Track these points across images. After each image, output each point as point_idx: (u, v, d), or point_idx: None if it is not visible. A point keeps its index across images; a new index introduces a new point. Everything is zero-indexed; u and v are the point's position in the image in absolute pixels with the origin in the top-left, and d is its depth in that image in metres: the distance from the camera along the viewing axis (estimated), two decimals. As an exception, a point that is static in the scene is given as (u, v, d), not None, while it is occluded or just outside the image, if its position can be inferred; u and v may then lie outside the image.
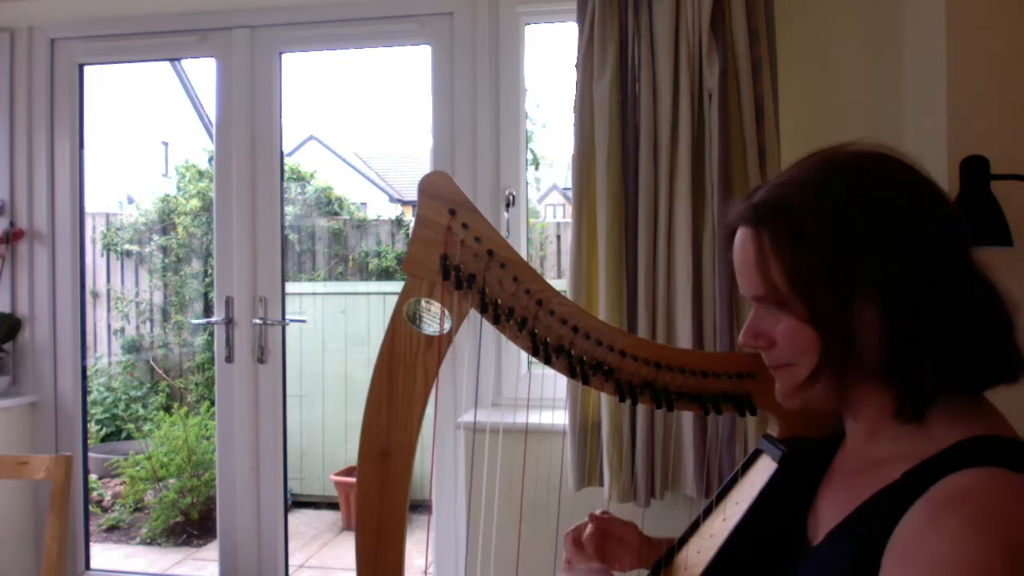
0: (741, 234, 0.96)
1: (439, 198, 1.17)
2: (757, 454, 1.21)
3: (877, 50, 2.35)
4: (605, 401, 2.23)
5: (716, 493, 1.23)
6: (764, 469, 1.14)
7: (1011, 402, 0.95)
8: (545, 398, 2.57)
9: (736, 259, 0.97)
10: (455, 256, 1.17)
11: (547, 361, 1.17)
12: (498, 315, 1.17)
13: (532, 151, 6.07)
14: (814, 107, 2.37)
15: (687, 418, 2.21)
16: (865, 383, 0.92)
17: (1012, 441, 0.86)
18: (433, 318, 1.18)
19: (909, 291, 0.86)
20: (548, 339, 1.17)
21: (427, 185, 1.17)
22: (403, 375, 1.19)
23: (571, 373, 1.18)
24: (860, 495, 0.91)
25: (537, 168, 6.55)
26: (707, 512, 1.23)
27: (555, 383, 2.52)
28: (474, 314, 1.20)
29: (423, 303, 1.18)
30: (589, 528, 1.31)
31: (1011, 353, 0.89)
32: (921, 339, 0.86)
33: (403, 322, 1.18)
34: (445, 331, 1.18)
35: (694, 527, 1.23)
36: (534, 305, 1.17)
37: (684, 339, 2.19)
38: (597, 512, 1.34)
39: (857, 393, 0.94)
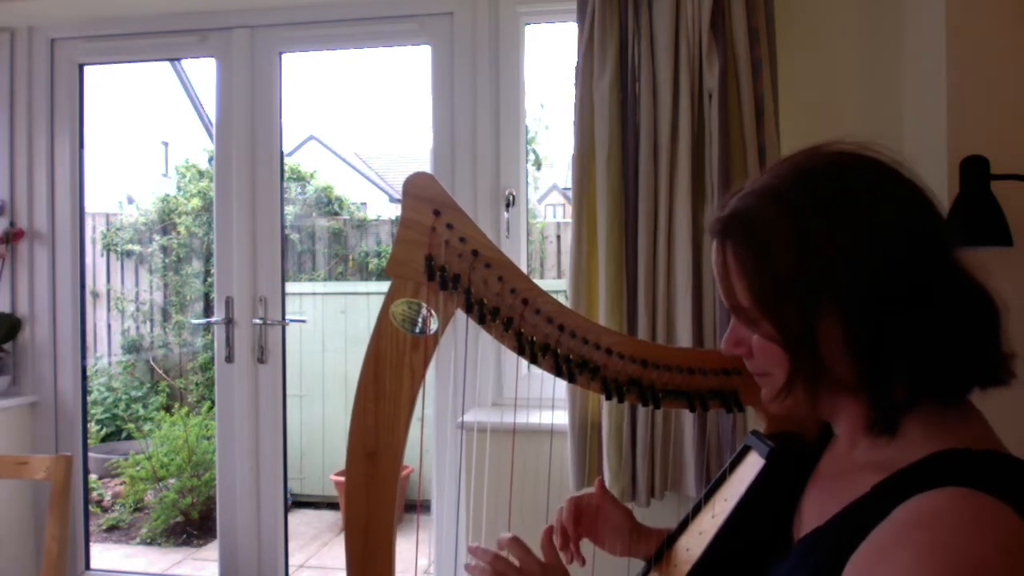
0: (713, 246, 0.96)
1: (423, 199, 1.17)
2: (746, 450, 1.21)
3: (877, 50, 2.34)
4: (605, 401, 2.22)
5: (705, 490, 1.23)
6: (752, 465, 1.14)
7: (1006, 405, 0.93)
8: (547, 398, 2.56)
9: (713, 269, 0.97)
10: (440, 257, 1.17)
11: (533, 360, 1.17)
12: (484, 315, 1.17)
13: (534, 152, 6.08)
14: (814, 107, 2.36)
15: (687, 418, 2.20)
16: (838, 395, 0.91)
17: (986, 455, 0.84)
18: (419, 319, 1.18)
19: (873, 304, 0.83)
20: (534, 338, 1.17)
21: (411, 186, 1.17)
22: (390, 376, 1.18)
23: (557, 372, 1.18)
24: (836, 502, 0.90)
25: (539, 168, 6.56)
26: (696, 509, 1.22)
27: (556, 383, 2.52)
28: (466, 315, 1.19)
29: (409, 304, 1.18)
30: (570, 506, 1.33)
31: (994, 356, 0.86)
32: (889, 352, 0.84)
33: (389, 323, 1.18)
34: (431, 332, 1.18)
35: (684, 524, 1.22)
36: (520, 304, 1.16)
37: (684, 339, 2.19)
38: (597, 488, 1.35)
39: (831, 404, 0.93)
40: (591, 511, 1.34)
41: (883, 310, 0.83)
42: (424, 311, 1.18)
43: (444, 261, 1.16)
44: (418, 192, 1.17)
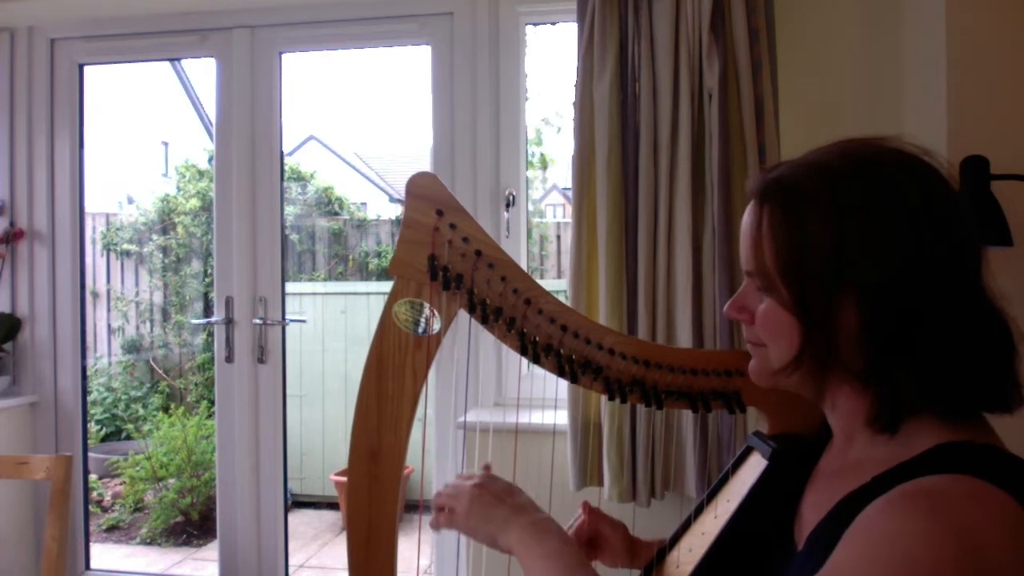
0: (750, 206, 0.95)
1: (426, 199, 1.17)
2: (748, 451, 1.20)
3: (877, 50, 2.34)
4: (605, 401, 2.22)
5: (708, 491, 1.23)
6: (755, 466, 1.14)
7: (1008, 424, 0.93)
8: (547, 398, 2.56)
9: (741, 229, 0.96)
10: (443, 257, 1.17)
11: (536, 360, 1.17)
12: (486, 315, 1.17)
13: (542, 154, 6.08)
14: (814, 107, 2.36)
15: (687, 418, 2.20)
16: (842, 382, 0.91)
17: (988, 448, 0.84)
18: (422, 319, 1.18)
19: (896, 302, 0.83)
20: (537, 338, 1.17)
21: (413, 186, 1.17)
22: (392, 376, 1.18)
23: (560, 372, 1.17)
24: (835, 498, 0.89)
25: (545, 169, 6.56)
26: (699, 510, 1.22)
27: (557, 383, 2.52)
28: (468, 315, 1.19)
29: (411, 304, 1.18)
30: (577, 521, 1.32)
31: (1008, 383, 0.86)
32: (903, 352, 0.84)
33: (392, 323, 1.18)
34: (434, 332, 1.18)
35: (686, 525, 1.22)
36: (522, 304, 1.16)
37: (684, 339, 2.19)
38: (585, 513, 1.34)
39: (833, 391, 0.93)
40: (585, 539, 1.32)
41: (905, 312, 0.83)
42: (427, 311, 1.18)
43: (447, 261, 1.16)
44: (421, 192, 1.17)
